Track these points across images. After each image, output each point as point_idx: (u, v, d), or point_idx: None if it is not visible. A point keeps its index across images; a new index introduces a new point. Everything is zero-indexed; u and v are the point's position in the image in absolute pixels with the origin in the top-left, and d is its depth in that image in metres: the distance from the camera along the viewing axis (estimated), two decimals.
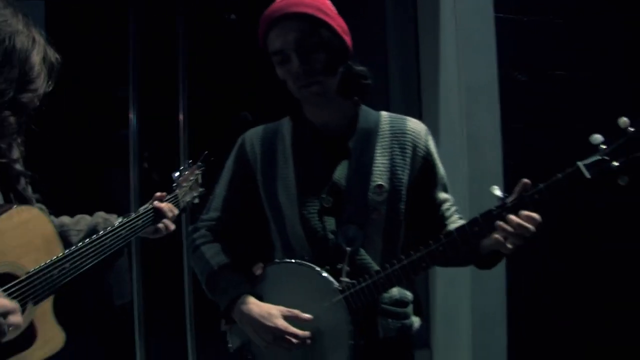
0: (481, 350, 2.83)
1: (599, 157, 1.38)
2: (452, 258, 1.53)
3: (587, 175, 1.38)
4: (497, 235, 1.45)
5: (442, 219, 1.70)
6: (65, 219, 1.72)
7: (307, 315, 1.56)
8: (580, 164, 1.39)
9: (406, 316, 1.67)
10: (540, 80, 2.96)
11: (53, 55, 1.44)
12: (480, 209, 1.56)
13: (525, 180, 1.45)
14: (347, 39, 1.64)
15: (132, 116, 2.74)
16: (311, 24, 1.57)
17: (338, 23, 1.62)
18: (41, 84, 1.40)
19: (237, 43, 3.09)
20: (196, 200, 1.97)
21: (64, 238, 1.60)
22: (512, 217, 1.43)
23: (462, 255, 1.56)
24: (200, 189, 1.99)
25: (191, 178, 1.96)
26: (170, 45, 2.79)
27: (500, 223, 1.44)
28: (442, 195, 1.72)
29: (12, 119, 1.34)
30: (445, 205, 1.72)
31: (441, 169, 1.73)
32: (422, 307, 1.75)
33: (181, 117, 2.81)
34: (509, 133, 2.87)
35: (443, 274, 3.06)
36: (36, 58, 1.38)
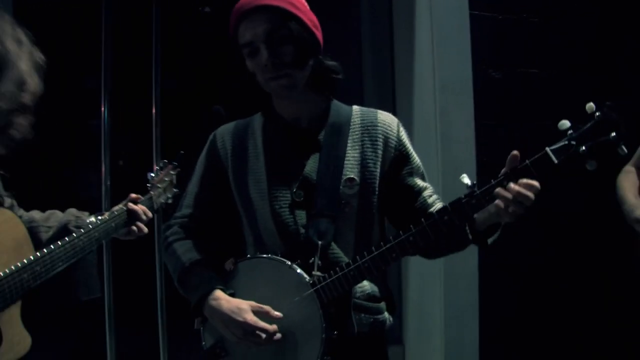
0: (454, 346, 2.85)
1: (566, 142, 1.39)
2: (428, 247, 1.52)
3: (555, 160, 1.38)
4: (498, 202, 1.42)
5: (425, 207, 1.67)
6: (35, 214, 1.69)
7: (277, 313, 1.55)
8: (548, 149, 1.39)
9: (379, 311, 1.67)
10: (513, 77, 2.98)
11: (39, 57, 1.42)
12: None
13: (515, 152, 1.43)
14: (318, 33, 1.65)
15: (103, 109, 2.71)
16: (281, 16, 1.57)
17: (309, 17, 1.63)
18: (36, 84, 1.38)
19: (211, 36, 3.07)
20: (170, 201, 1.95)
21: (33, 234, 1.57)
22: (512, 185, 1.40)
23: (440, 243, 1.56)
24: (175, 190, 1.98)
25: (166, 179, 1.95)
26: (144, 37, 2.76)
27: (501, 190, 1.41)
28: (421, 182, 1.71)
29: (22, 121, 1.33)
30: (427, 192, 1.70)
31: (416, 158, 1.73)
32: (395, 302, 1.75)
33: (154, 110, 2.78)
34: (482, 130, 2.89)
35: (416, 270, 3.07)
36: (25, 60, 1.37)
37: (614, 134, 1.36)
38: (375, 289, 1.68)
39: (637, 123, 1.52)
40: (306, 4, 1.67)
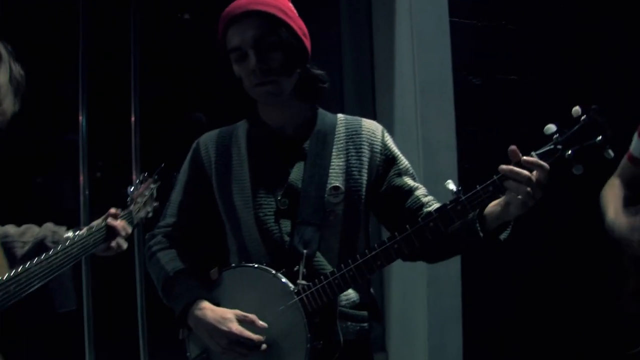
0: (437, 352, 2.84)
1: (553, 147, 1.38)
2: (417, 253, 1.50)
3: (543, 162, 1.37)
4: (509, 183, 1.37)
5: (420, 205, 1.64)
6: (10, 229, 1.64)
7: (262, 323, 1.53)
8: (534, 153, 1.38)
9: (365, 319, 1.66)
10: (493, 84, 3.00)
11: (18, 73, 1.38)
12: None
13: (514, 147, 1.40)
14: (306, 41, 1.65)
15: (81, 118, 2.66)
16: (271, 23, 1.57)
17: (298, 25, 1.63)
18: (8, 106, 1.34)
19: (191, 43, 3.05)
20: (150, 215, 1.93)
21: (8, 250, 1.52)
22: (526, 157, 1.36)
23: (435, 248, 1.53)
24: (155, 204, 1.95)
25: (146, 193, 1.92)
26: (122, 44, 2.73)
27: (512, 169, 1.36)
28: (412, 182, 1.69)
29: None
30: (420, 192, 1.67)
31: (405, 160, 1.71)
32: (380, 310, 1.74)
33: (133, 118, 2.74)
34: (463, 136, 2.90)
35: (398, 276, 3.06)
36: (2, 78, 1.32)
37: (600, 137, 1.35)
38: (361, 296, 1.66)
39: (617, 130, 1.52)
40: (295, 11, 1.66)
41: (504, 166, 1.38)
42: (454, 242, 1.53)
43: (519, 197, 1.37)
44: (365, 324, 1.66)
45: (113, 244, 1.68)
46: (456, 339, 2.85)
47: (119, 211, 1.72)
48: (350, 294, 1.63)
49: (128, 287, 2.75)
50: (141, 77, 2.74)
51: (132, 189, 1.87)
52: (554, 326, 3.03)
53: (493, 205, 1.45)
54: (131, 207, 1.81)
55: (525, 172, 1.35)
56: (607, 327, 2.31)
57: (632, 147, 2.14)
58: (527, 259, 2.98)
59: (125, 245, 1.72)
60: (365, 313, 1.66)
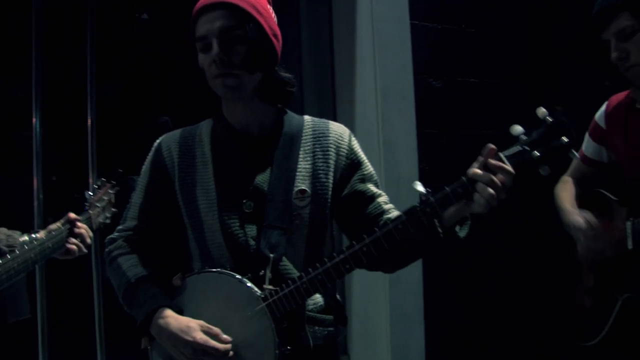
0: (400, 354, 2.84)
1: (520, 148, 1.38)
2: (384, 258, 1.48)
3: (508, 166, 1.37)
4: (479, 186, 1.38)
5: (380, 212, 1.63)
6: None
7: (226, 337, 1.50)
8: (501, 155, 1.38)
9: (332, 323, 1.64)
10: (453, 86, 3.03)
11: None
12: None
13: (491, 146, 1.40)
14: (276, 43, 1.62)
15: (35, 119, 2.58)
16: (240, 16, 1.55)
17: (269, 24, 1.60)
18: None
19: (149, 43, 2.99)
20: (108, 221, 1.91)
21: None
22: (491, 161, 1.37)
23: (398, 253, 1.51)
24: (113, 210, 1.94)
25: (104, 197, 1.91)
26: (78, 44, 2.66)
27: (478, 171, 1.37)
28: (374, 189, 1.67)
29: None
30: (382, 199, 1.66)
31: (370, 167, 1.70)
32: (345, 314, 1.73)
33: (89, 120, 2.67)
34: (423, 138, 2.92)
35: (360, 279, 3.06)
36: None
37: (565, 138, 1.37)
38: (327, 301, 1.64)
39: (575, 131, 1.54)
40: (272, 13, 1.64)
41: (471, 170, 1.39)
42: (414, 243, 1.52)
43: (484, 198, 1.37)
44: (332, 328, 1.64)
45: (73, 247, 1.66)
46: (419, 341, 2.86)
47: (78, 216, 1.71)
48: (317, 298, 1.61)
49: (85, 294, 2.68)
50: (98, 78, 2.68)
51: (90, 194, 1.86)
52: (513, 324, 3.07)
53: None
54: (90, 212, 1.78)
55: (492, 176, 1.36)
56: (563, 322, 2.36)
57: (584, 146, 2.22)
58: (487, 258, 3.02)
59: (85, 250, 1.71)
60: (332, 317, 1.64)
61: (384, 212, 1.63)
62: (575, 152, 1.40)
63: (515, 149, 1.39)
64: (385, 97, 2.88)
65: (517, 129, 1.40)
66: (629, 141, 2.01)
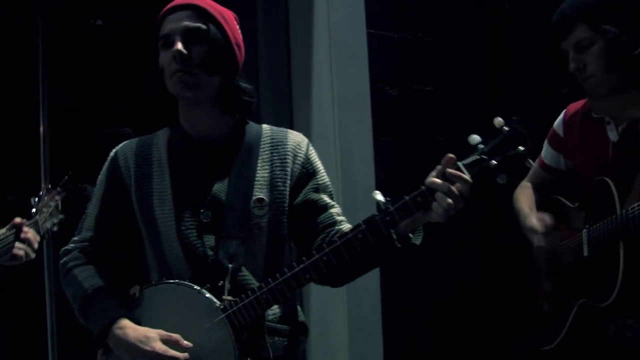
0: None
1: (478, 157, 1.40)
2: (342, 267, 1.47)
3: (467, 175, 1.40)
4: (438, 195, 1.38)
5: (332, 223, 1.63)
6: None
7: (186, 342, 1.48)
8: (460, 164, 1.40)
9: (292, 334, 1.64)
10: (409, 95, 3.05)
11: None
12: (353, 221, 1.54)
13: (450, 155, 1.41)
14: (238, 53, 1.62)
15: None
16: (205, 19, 1.56)
17: (234, 34, 1.61)
18: None
19: (104, 50, 2.94)
20: (55, 228, 1.90)
21: None
22: (450, 170, 1.38)
23: (356, 262, 1.51)
24: (60, 216, 1.92)
25: (51, 203, 1.89)
26: (30, 51, 2.59)
27: (435, 180, 1.38)
28: (328, 199, 1.67)
29: None
30: (334, 210, 1.66)
31: (325, 177, 1.71)
32: (305, 323, 1.72)
33: (42, 128, 2.61)
34: (380, 146, 2.93)
35: (317, 289, 3.05)
36: None
37: (521, 147, 1.40)
38: (287, 310, 1.64)
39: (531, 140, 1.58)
40: (238, 29, 1.65)
41: (430, 179, 1.40)
42: (370, 253, 1.51)
43: (442, 207, 1.39)
44: (293, 339, 1.63)
45: (20, 252, 1.64)
46: (377, 349, 2.86)
47: (24, 221, 1.69)
48: (276, 308, 1.61)
49: (37, 305, 2.61)
50: (50, 85, 2.61)
51: (36, 200, 1.86)
52: (473, 332, 3.10)
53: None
54: (37, 217, 1.77)
55: (451, 186, 1.38)
56: (524, 327, 2.40)
57: (543, 153, 2.26)
58: (445, 264, 3.04)
59: (33, 254, 1.69)
60: (292, 327, 1.64)
61: (335, 222, 1.63)
62: (532, 161, 1.43)
63: (473, 158, 1.41)
64: (342, 105, 2.89)
65: (475, 138, 1.42)
66: (584, 149, 2.05)
